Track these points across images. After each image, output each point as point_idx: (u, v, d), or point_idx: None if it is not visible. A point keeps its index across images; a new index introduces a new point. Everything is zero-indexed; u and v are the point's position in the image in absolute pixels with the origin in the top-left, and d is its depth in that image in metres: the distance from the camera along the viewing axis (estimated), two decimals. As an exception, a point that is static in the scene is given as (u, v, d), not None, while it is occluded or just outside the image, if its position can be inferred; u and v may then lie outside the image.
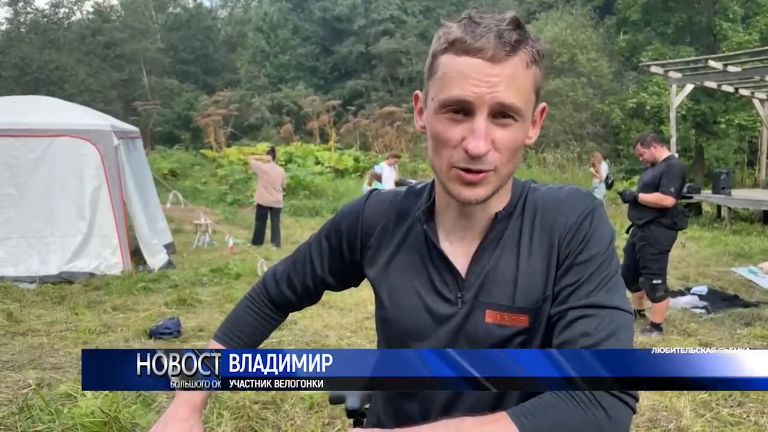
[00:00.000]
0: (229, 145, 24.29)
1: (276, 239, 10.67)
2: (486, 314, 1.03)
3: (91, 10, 39.49)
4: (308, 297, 1.31)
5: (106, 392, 3.65)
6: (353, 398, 1.41)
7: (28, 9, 36.93)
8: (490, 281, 1.04)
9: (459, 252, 1.07)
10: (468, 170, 0.95)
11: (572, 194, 1.06)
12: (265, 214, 10.62)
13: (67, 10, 38.84)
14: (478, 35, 0.90)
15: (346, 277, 1.27)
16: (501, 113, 0.93)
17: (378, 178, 11.66)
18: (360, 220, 1.18)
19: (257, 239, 10.63)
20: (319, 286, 1.28)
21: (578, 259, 0.99)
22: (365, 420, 1.33)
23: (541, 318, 1.01)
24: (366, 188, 11.96)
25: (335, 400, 1.46)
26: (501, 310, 1.02)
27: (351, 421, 1.44)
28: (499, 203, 1.05)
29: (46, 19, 37.64)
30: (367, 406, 1.38)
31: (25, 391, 3.86)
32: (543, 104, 1.04)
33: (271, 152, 11.02)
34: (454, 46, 0.92)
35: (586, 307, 0.95)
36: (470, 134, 0.92)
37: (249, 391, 3.87)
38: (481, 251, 1.05)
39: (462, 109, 0.93)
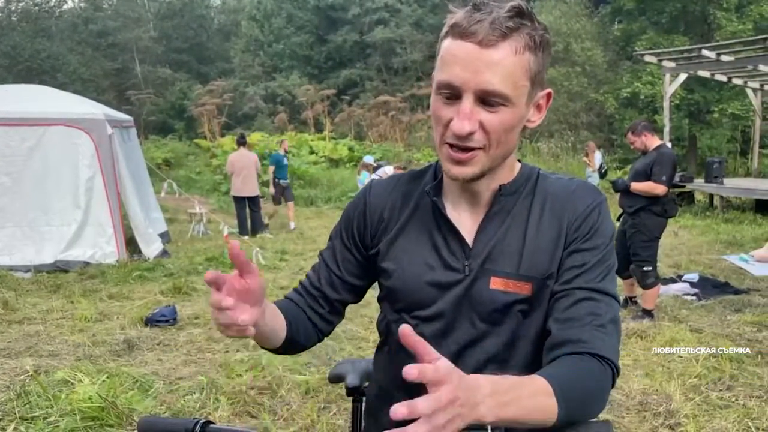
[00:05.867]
0: (223, 135, 24.19)
1: (255, 227, 10.73)
2: (491, 281, 1.08)
3: (82, -2, 39.19)
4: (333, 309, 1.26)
5: (104, 378, 3.69)
6: (353, 376, 1.44)
7: (20, -3, 36.58)
8: (497, 250, 1.09)
9: (466, 222, 1.12)
10: (456, 148, 1.01)
11: (582, 186, 1.13)
12: (243, 205, 10.66)
13: (58, -1, 38.52)
14: (474, 20, 0.95)
15: (366, 272, 1.24)
16: (487, 98, 0.98)
17: (367, 168, 11.67)
18: (366, 206, 1.22)
19: (241, 229, 10.70)
20: (340, 292, 1.24)
21: (585, 245, 1.06)
22: (365, 393, 1.37)
23: (544, 291, 1.07)
24: (358, 178, 12.00)
25: (334, 380, 1.49)
26: (506, 277, 1.08)
27: (348, 405, 1.47)
28: (503, 180, 1.11)
29: (37, 8, 37.30)
30: (366, 384, 1.41)
31: (22, 377, 3.89)
32: (548, 90, 1.09)
33: (240, 140, 10.97)
34: (453, 30, 0.98)
35: (592, 291, 1.03)
36: (456, 115, 0.98)
37: (245, 377, 3.93)
38: (487, 222, 1.11)
39: (452, 92, 0.99)
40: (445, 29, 1.01)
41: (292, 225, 11.39)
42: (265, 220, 11.33)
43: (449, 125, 1.00)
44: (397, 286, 1.15)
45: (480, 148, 1.01)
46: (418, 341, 0.71)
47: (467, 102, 0.97)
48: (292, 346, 1.18)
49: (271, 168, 11.29)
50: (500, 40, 0.95)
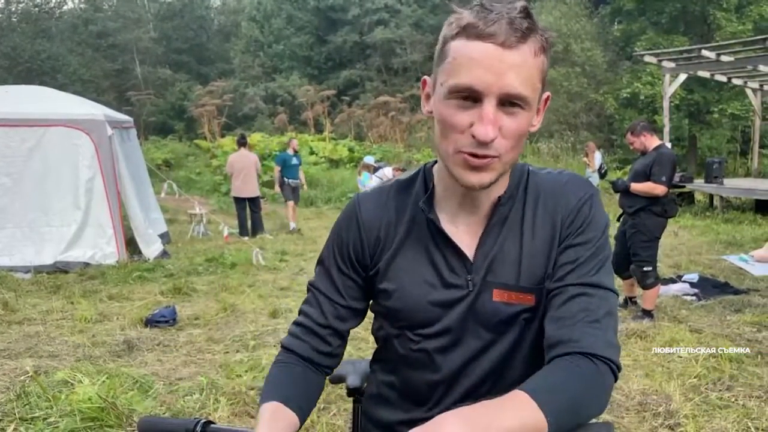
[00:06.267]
0: (223, 136, 24.19)
1: (256, 228, 10.67)
2: (493, 293, 1.06)
3: (83, -1, 39.20)
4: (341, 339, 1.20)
5: (104, 379, 3.69)
6: (354, 377, 1.44)
7: (20, -2, 36.58)
8: (497, 262, 1.07)
9: (465, 236, 1.09)
10: (474, 155, 0.96)
11: (573, 179, 1.11)
12: (243, 205, 10.60)
13: (59, 0, 38.52)
14: (491, 21, 0.91)
15: (366, 293, 1.19)
16: (509, 102, 0.94)
17: (368, 168, 11.66)
18: (360, 227, 1.15)
19: (241, 229, 10.65)
20: (348, 320, 1.19)
21: (577, 240, 1.04)
22: (364, 394, 1.36)
23: (545, 296, 1.05)
24: (358, 179, 11.98)
25: (335, 380, 1.49)
26: (508, 289, 1.06)
27: (348, 406, 1.46)
28: (501, 187, 1.08)
29: (37, 9, 37.28)
30: (366, 385, 1.41)
31: (22, 378, 3.89)
32: (547, 93, 1.05)
33: (241, 140, 10.85)
34: (466, 31, 0.93)
35: (584, 285, 1.00)
36: (478, 120, 0.93)
37: (244, 378, 3.93)
38: (486, 234, 1.08)
39: (470, 96, 0.94)
40: (453, 30, 0.95)
41: (293, 225, 11.29)
42: (293, 225, 11.20)
43: (466, 132, 0.95)
44: (398, 306, 1.12)
45: (496, 156, 0.96)
46: None
47: (489, 106, 0.92)
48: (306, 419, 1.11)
49: (277, 168, 11.06)
50: (521, 42, 0.92)
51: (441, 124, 0.98)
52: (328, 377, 1.28)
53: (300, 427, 1.07)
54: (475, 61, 0.92)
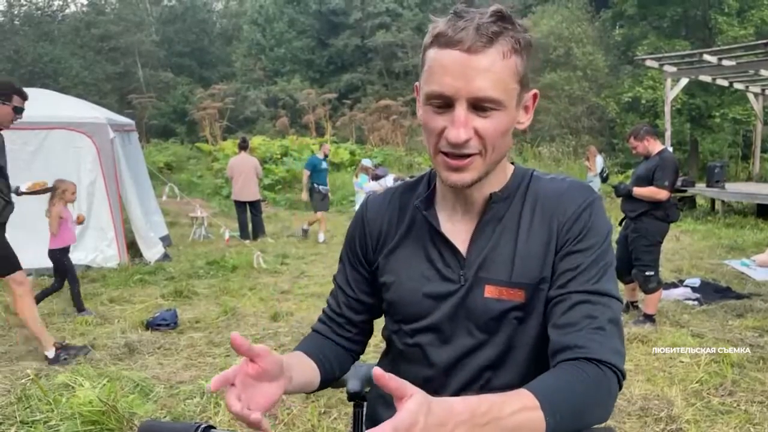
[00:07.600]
0: (224, 139, 24.19)
1: (257, 231, 10.57)
2: (485, 289, 1.09)
3: (85, 2, 39.29)
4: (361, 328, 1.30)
5: (105, 382, 3.69)
6: (354, 381, 1.44)
7: (22, 1, 36.64)
8: (490, 258, 1.09)
9: (460, 232, 1.12)
10: (453, 156, 1.01)
11: (573, 186, 1.12)
12: (243, 209, 10.45)
13: (61, 3, 38.60)
14: (459, 28, 0.96)
15: (376, 288, 1.25)
16: (480, 105, 0.97)
17: (366, 171, 11.63)
18: (365, 224, 1.24)
19: (242, 232, 10.54)
20: (360, 312, 1.27)
21: (578, 246, 1.05)
22: (366, 398, 1.37)
23: (538, 297, 1.07)
24: (355, 181, 11.97)
25: (336, 384, 1.49)
26: (499, 285, 1.08)
27: (349, 410, 1.47)
28: (495, 185, 1.11)
29: (40, 12, 37.37)
30: (367, 389, 1.41)
31: (23, 381, 3.90)
32: (534, 90, 1.08)
33: (242, 144, 10.66)
34: (438, 40, 0.98)
35: (588, 293, 1.02)
36: (450, 124, 0.98)
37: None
38: (479, 231, 1.11)
39: (444, 102, 0.99)
40: (428, 39, 1.00)
41: (321, 237, 10.44)
42: (305, 225, 10.81)
43: (443, 134, 1.00)
44: (395, 299, 1.17)
45: (477, 154, 1.01)
46: (390, 381, 0.71)
47: (461, 110, 0.97)
48: (329, 383, 1.21)
49: (306, 173, 10.56)
50: (487, 46, 0.95)
51: (423, 127, 1.05)
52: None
53: (321, 381, 1.16)
54: (444, 68, 0.97)
